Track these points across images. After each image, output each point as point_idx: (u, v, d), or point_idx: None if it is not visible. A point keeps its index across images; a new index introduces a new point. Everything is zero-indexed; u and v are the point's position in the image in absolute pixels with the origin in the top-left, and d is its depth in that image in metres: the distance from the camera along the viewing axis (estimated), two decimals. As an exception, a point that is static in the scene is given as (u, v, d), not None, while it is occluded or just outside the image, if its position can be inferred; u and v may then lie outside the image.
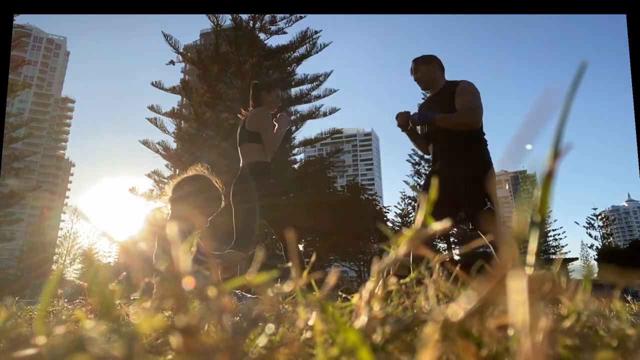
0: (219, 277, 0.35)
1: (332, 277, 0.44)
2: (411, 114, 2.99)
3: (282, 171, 17.05)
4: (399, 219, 33.94)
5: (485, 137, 2.93)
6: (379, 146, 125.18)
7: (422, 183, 3.11)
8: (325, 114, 18.78)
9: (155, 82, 18.28)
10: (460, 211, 2.86)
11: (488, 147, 2.94)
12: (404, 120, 3.02)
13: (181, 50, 18.85)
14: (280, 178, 15.94)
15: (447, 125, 2.86)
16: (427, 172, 3.03)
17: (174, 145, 18.71)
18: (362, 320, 0.38)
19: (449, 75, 3.09)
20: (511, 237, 0.30)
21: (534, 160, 0.31)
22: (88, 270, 0.38)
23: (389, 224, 32.29)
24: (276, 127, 3.48)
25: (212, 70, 18.04)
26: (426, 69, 3.04)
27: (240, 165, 3.48)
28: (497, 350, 0.31)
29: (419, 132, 3.12)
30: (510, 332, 0.31)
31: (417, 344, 0.33)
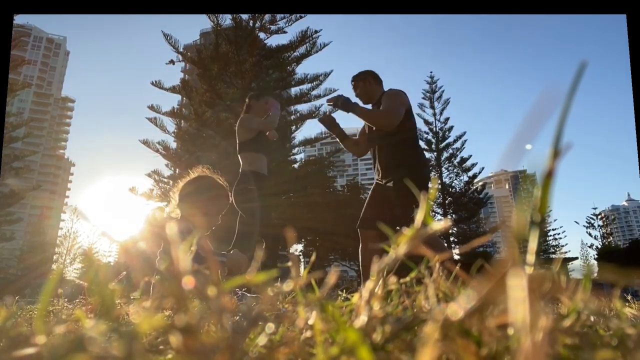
0: (219, 276, 0.35)
1: (332, 277, 0.44)
2: (337, 97, 3.17)
3: (282, 171, 17.04)
4: (399, 219, 33.86)
5: (418, 146, 3.13)
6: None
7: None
8: (324, 114, 18.74)
9: (155, 81, 18.27)
10: (394, 213, 2.98)
11: (421, 155, 3.14)
12: (330, 120, 3.26)
13: (181, 50, 18.83)
14: (280, 178, 15.93)
15: (363, 118, 3.09)
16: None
17: (174, 145, 18.71)
18: (362, 319, 0.38)
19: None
20: (511, 236, 0.30)
21: (533, 159, 0.31)
22: (88, 270, 0.38)
23: (389, 224, 32.18)
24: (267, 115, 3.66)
25: (212, 70, 18.03)
26: (363, 85, 3.24)
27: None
28: (497, 349, 0.31)
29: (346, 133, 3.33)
30: (510, 331, 0.31)
31: (417, 343, 0.33)
